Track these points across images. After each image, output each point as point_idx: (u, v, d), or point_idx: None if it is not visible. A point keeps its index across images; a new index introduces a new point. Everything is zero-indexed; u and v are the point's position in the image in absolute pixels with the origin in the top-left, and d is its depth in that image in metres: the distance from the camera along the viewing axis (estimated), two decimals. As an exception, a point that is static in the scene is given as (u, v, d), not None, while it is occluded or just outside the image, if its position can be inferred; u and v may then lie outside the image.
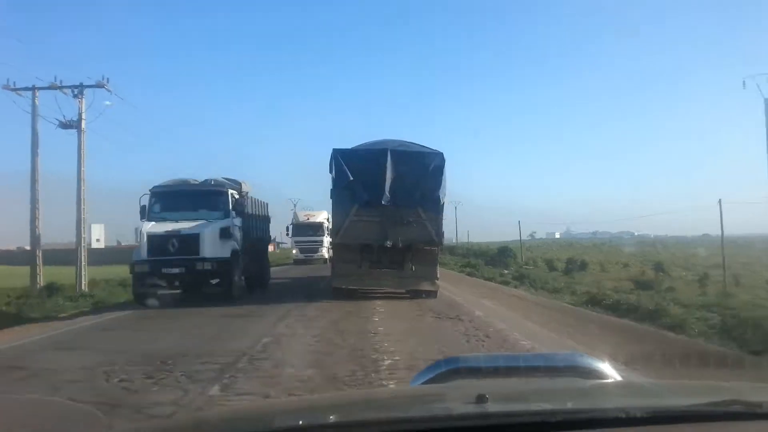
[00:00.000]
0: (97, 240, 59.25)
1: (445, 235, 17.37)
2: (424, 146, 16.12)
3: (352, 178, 15.07)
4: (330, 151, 15.42)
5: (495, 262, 43.05)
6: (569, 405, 1.69)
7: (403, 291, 15.58)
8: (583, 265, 39.51)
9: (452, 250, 67.50)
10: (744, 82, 24.49)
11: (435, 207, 15.15)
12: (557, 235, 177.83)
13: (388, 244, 14.91)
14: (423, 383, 2.02)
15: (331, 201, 15.82)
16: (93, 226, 61.47)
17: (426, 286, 15.32)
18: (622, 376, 2.15)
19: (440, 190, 15.05)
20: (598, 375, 1.99)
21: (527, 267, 39.11)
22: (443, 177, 15.11)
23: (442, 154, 15.34)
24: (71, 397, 5.61)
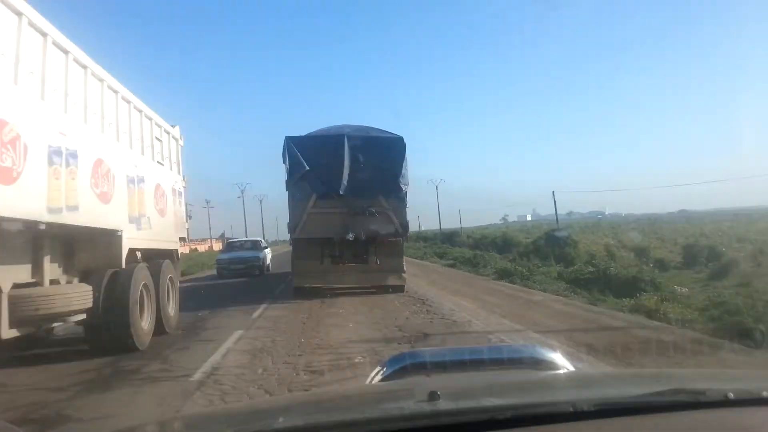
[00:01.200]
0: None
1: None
2: (383, 131, 15.29)
3: (308, 168, 14.10)
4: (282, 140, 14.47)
5: (542, 254, 25.02)
6: (519, 399, 1.70)
7: (369, 286, 14.66)
8: (714, 255, 22.20)
9: (452, 238, 49.96)
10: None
11: (397, 195, 14.40)
12: (528, 218, 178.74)
13: (350, 237, 14.03)
14: (381, 380, 2.06)
15: (287, 194, 14.77)
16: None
17: (393, 281, 14.58)
18: (573, 367, 2.17)
19: (402, 176, 14.20)
20: (551, 366, 2.07)
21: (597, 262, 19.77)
22: (404, 163, 14.28)
23: (402, 138, 14.54)
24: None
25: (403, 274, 14.70)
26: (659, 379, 2.00)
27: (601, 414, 1.52)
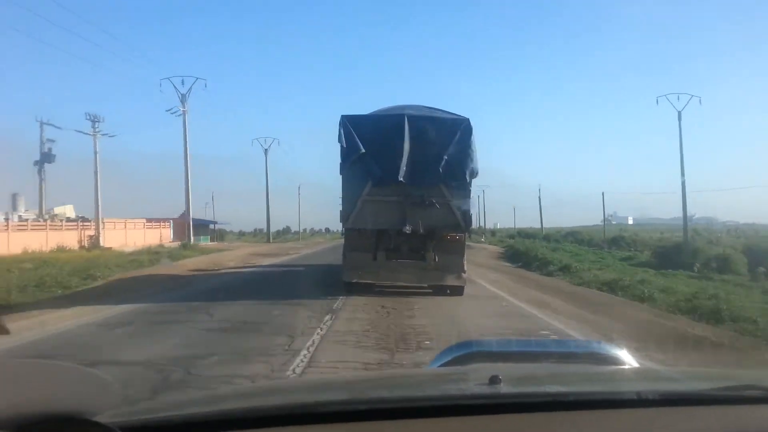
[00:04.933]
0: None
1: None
2: (448, 112, 13.72)
3: (363, 150, 12.81)
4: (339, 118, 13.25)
5: None
6: (582, 388, 1.65)
7: (425, 286, 13.20)
8: None
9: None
10: None
11: (461, 184, 12.83)
12: (630, 221, 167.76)
13: (407, 229, 12.60)
14: (440, 366, 2.05)
15: (341, 178, 13.58)
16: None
17: (451, 281, 13.04)
18: (639, 363, 2.14)
19: (467, 164, 12.59)
20: (615, 361, 2.00)
21: None
22: (471, 148, 12.64)
23: (468, 119, 12.88)
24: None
25: (463, 275, 13.09)
26: (731, 377, 1.98)
27: (667, 404, 1.46)
